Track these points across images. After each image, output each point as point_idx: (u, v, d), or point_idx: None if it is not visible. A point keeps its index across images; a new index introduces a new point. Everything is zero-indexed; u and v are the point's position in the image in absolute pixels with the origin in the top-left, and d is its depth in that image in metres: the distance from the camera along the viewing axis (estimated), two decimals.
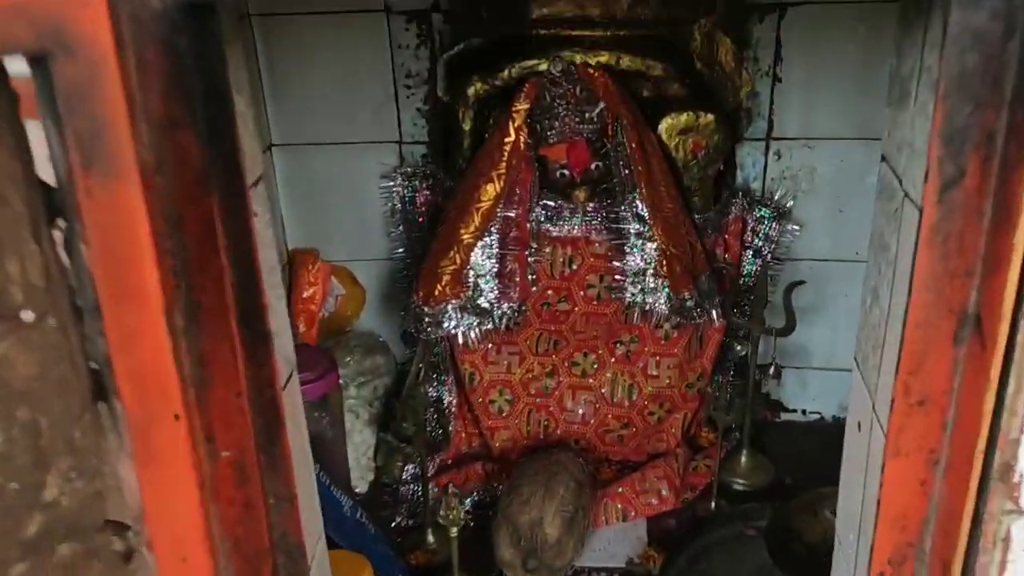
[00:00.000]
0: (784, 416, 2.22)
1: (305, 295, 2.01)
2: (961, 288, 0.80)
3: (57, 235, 0.66)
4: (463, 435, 2.08)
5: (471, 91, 1.79)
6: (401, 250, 2.01)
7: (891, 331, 0.98)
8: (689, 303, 1.82)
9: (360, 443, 1.98)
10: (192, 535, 0.78)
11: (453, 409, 2.07)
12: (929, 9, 0.81)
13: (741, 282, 1.98)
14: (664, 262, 1.79)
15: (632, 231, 1.81)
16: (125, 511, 0.76)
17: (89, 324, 0.67)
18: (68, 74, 0.57)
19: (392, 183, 1.95)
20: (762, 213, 1.95)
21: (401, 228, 1.99)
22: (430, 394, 2.02)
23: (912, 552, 0.94)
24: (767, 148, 1.93)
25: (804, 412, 2.21)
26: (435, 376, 2.05)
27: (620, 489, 1.92)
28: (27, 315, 0.64)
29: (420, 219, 1.97)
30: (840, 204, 1.96)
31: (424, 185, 1.94)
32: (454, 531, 1.61)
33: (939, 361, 0.84)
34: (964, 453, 0.86)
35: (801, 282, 1.85)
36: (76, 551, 0.73)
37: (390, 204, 1.97)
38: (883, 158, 1.05)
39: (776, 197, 1.95)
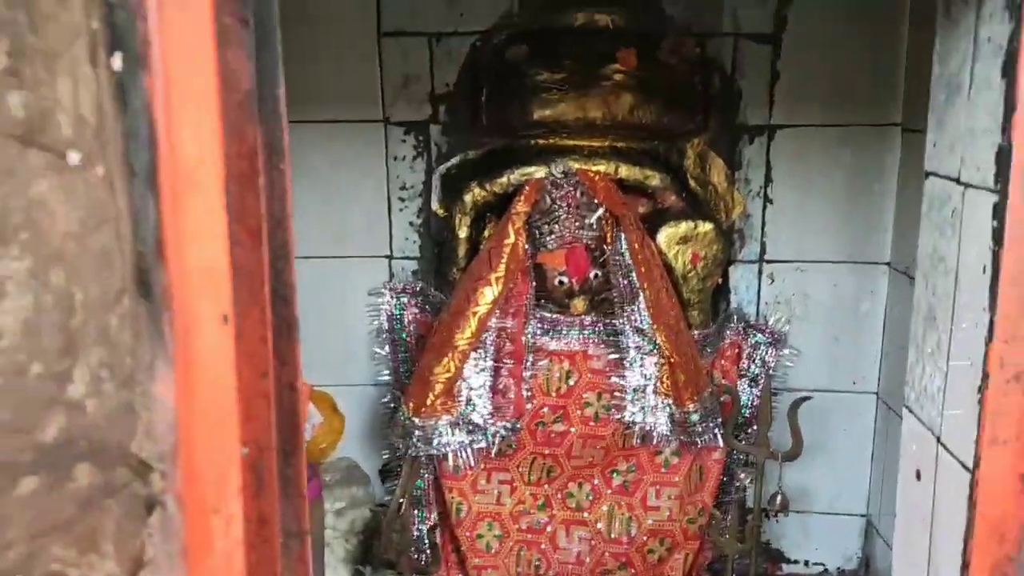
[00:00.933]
0: (786, 568, 2.08)
1: None
2: None
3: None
4: None
5: (468, 197, 1.78)
6: (386, 373, 1.91)
7: (959, 338, 0.93)
8: (694, 416, 1.74)
9: None
10: (228, 478, 0.65)
11: (438, 550, 1.89)
12: None
13: (739, 414, 1.91)
14: (667, 373, 1.72)
15: (632, 345, 1.75)
16: (153, 443, 0.64)
17: (140, 188, 0.59)
18: None
19: (380, 299, 1.89)
20: (758, 339, 1.91)
21: (387, 349, 1.90)
22: (412, 532, 1.86)
23: (1012, 569, 0.83)
24: (760, 271, 1.93)
25: (807, 563, 2.07)
26: (417, 512, 1.89)
27: None
28: (73, 156, 0.56)
29: (408, 338, 1.89)
30: (835, 331, 1.95)
31: (413, 302, 1.88)
32: None
33: None
34: None
35: (807, 397, 1.79)
36: (95, 482, 0.60)
37: (377, 322, 1.90)
38: (931, 174, 1.04)
39: (771, 322, 1.93)
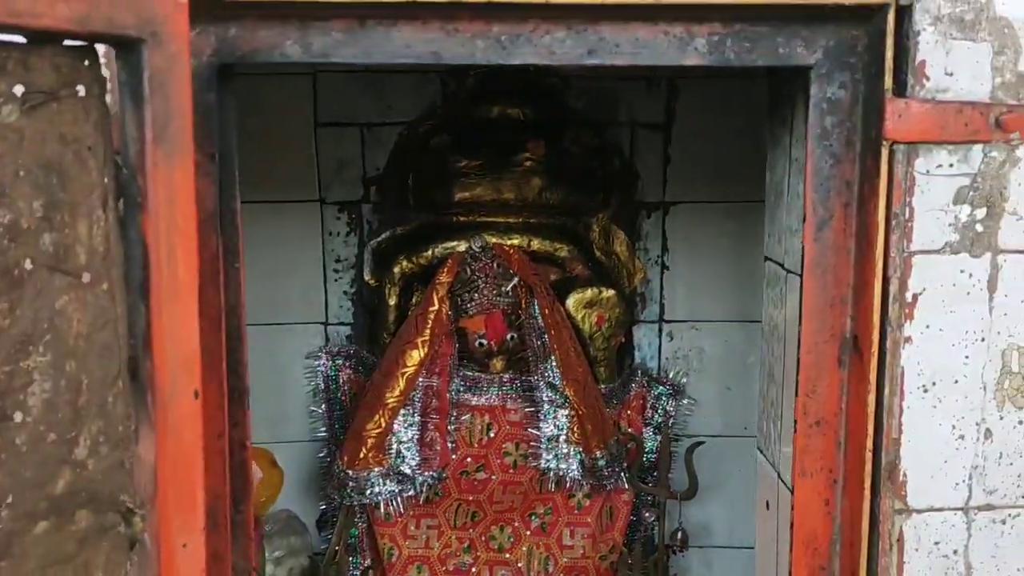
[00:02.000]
0: None
1: None
2: (840, 315, 1.00)
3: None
4: None
5: (397, 269, 1.98)
6: (323, 430, 2.08)
7: (787, 391, 1.16)
8: (601, 462, 1.94)
9: None
10: (194, 520, 0.83)
11: None
12: (793, 109, 1.06)
13: (644, 458, 2.13)
14: (577, 425, 1.93)
15: (545, 399, 1.96)
16: (137, 493, 0.82)
17: (134, 297, 0.78)
18: (156, 61, 0.73)
19: (317, 362, 2.07)
20: (660, 391, 2.13)
21: (323, 407, 2.08)
22: None
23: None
24: (660, 330, 2.16)
25: None
26: (351, 560, 2.06)
27: None
28: (86, 276, 0.75)
29: (343, 397, 2.07)
30: (727, 382, 2.18)
31: (348, 364, 2.07)
32: None
33: (830, 383, 1.01)
34: (857, 466, 1.01)
35: (701, 442, 2.01)
36: (91, 524, 0.78)
37: (314, 383, 2.08)
38: (767, 258, 1.27)
39: (671, 375, 2.15)
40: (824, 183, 0.95)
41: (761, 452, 1.30)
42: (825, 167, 0.95)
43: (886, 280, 0.94)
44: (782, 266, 1.18)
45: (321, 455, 2.07)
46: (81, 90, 0.72)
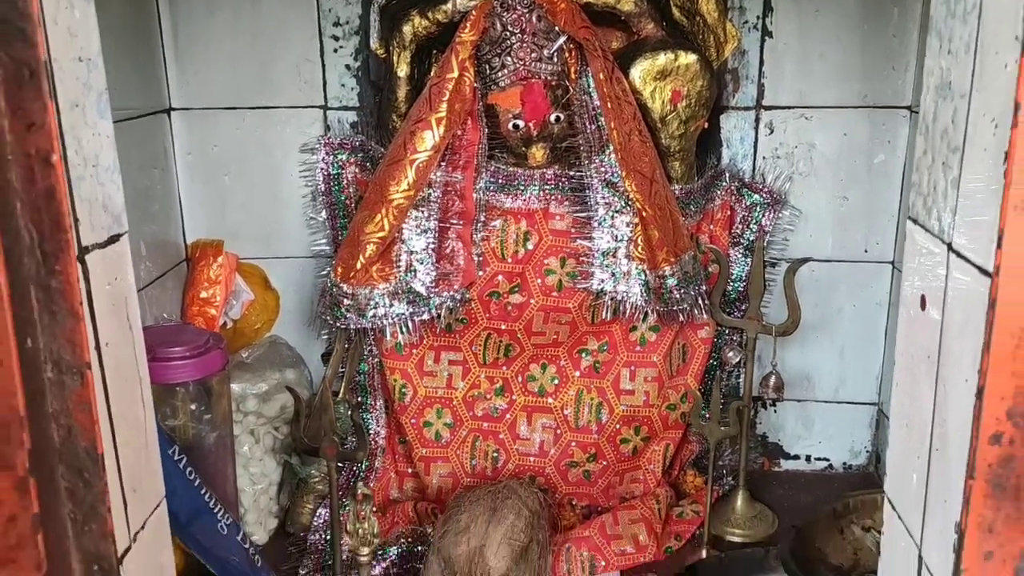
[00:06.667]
0: (785, 464, 1.84)
1: (203, 295, 1.64)
2: None
3: None
4: (392, 474, 1.68)
5: (407, 28, 1.50)
6: (324, 242, 1.67)
7: (980, 97, 0.67)
8: (671, 281, 1.48)
9: (259, 476, 1.57)
10: None
11: (380, 440, 1.67)
12: None
13: (730, 285, 1.65)
14: (640, 234, 1.46)
15: (600, 201, 1.49)
16: None
17: None
18: None
19: (315, 157, 1.63)
20: (753, 199, 1.64)
21: (324, 214, 1.65)
22: (331, 414, 1.62)
23: None
24: (757, 120, 1.64)
25: (809, 459, 1.83)
26: (361, 400, 1.67)
27: (587, 533, 1.52)
28: None
29: (347, 201, 1.64)
30: (844, 190, 1.66)
31: (353, 159, 1.63)
32: (365, 553, 1.20)
33: None
34: None
35: (806, 260, 1.52)
36: None
37: (311, 184, 1.65)
38: None
39: (769, 180, 1.65)
40: None
41: (916, 222, 0.82)
42: None
43: None
44: None
45: (323, 273, 1.65)
46: None
